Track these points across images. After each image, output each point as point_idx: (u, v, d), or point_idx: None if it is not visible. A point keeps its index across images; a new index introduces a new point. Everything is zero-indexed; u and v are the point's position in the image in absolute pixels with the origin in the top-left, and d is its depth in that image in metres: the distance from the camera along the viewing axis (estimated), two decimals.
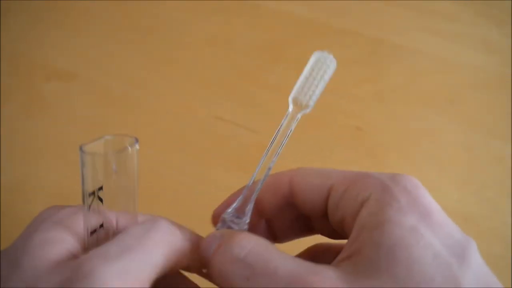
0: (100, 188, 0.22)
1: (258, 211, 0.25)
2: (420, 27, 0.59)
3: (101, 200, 0.22)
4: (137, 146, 0.24)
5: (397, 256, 0.18)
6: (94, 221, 0.21)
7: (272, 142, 0.27)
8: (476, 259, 0.19)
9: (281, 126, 0.28)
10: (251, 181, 0.26)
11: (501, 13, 0.60)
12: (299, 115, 0.27)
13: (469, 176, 0.48)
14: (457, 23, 0.59)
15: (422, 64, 0.57)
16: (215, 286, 0.21)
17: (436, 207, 0.20)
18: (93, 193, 0.22)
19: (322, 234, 0.26)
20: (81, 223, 0.21)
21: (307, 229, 0.26)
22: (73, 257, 0.19)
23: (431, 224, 0.19)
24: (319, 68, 0.27)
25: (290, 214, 0.25)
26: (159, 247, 0.20)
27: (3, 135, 0.52)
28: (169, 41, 0.60)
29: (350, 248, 0.19)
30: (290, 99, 0.28)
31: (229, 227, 0.25)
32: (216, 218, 0.27)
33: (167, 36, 0.60)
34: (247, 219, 0.25)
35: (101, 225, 0.22)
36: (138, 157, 0.24)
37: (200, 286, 0.25)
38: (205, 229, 0.47)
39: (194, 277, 0.25)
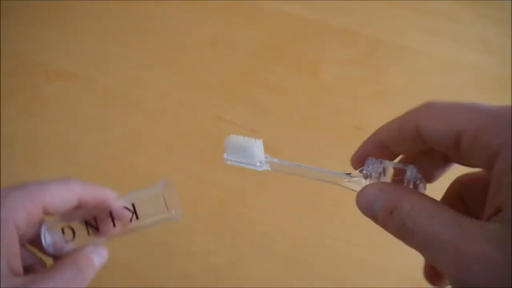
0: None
1: (392, 152, 0.24)
2: (420, 27, 0.59)
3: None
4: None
5: None
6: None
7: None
8: None
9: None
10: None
11: (501, 13, 0.60)
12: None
13: None
14: (457, 23, 0.59)
15: (422, 64, 0.57)
16: None
17: None
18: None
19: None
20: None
21: (446, 162, 0.25)
22: None
23: None
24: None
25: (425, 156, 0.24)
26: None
27: (3, 135, 0.52)
28: (169, 41, 0.60)
29: (493, 203, 0.18)
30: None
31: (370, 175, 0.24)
32: (356, 163, 0.26)
33: (167, 36, 0.60)
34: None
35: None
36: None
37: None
38: (205, 228, 0.47)
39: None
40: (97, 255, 0.30)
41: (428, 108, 0.22)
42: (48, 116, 0.54)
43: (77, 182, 0.29)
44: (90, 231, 0.29)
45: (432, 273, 0.25)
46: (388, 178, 0.23)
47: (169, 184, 0.31)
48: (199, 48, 0.59)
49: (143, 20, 0.62)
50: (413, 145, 0.23)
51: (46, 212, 0.28)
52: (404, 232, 0.20)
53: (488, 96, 0.54)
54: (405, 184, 0.22)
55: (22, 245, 0.29)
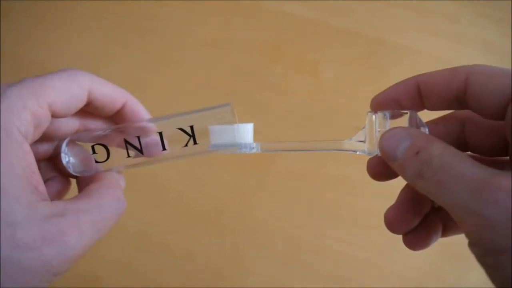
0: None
1: (423, 102, 0.24)
2: (420, 27, 0.59)
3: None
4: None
5: None
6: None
7: None
8: None
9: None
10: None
11: (501, 13, 0.60)
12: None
13: None
14: (457, 23, 0.59)
15: (422, 64, 0.57)
16: None
17: None
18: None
19: (475, 147, 0.24)
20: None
21: (457, 142, 0.24)
22: None
23: None
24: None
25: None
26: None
27: None
28: (169, 41, 0.60)
29: None
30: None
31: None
32: (377, 106, 0.25)
33: (167, 36, 0.60)
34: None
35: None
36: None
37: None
38: (205, 228, 0.47)
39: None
40: (122, 182, 0.26)
41: (481, 66, 0.22)
42: None
43: (85, 73, 0.24)
44: (130, 152, 0.25)
45: (376, 170, 0.25)
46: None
47: (233, 107, 0.26)
48: (199, 48, 0.59)
49: (143, 20, 0.62)
50: (449, 102, 0.23)
51: (54, 114, 0.22)
52: (426, 172, 0.20)
53: None
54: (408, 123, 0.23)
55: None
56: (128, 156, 0.25)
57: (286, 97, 0.55)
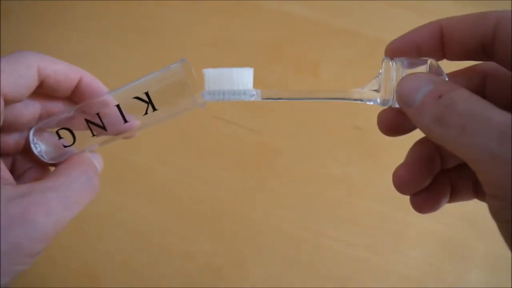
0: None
1: (444, 50, 0.22)
2: None
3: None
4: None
5: None
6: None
7: None
8: None
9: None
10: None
11: None
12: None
13: None
14: None
15: None
16: None
17: None
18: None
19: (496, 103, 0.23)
20: None
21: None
22: None
23: None
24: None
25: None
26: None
27: None
28: (169, 41, 0.60)
29: None
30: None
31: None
32: (394, 52, 0.24)
33: (167, 36, 0.60)
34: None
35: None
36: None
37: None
38: (205, 227, 0.47)
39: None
40: (97, 161, 0.25)
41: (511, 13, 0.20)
42: None
43: (33, 53, 0.23)
44: (94, 131, 0.24)
45: (389, 122, 0.24)
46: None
47: (186, 64, 0.25)
48: (199, 48, 0.59)
49: (143, 20, 0.62)
50: (474, 50, 0.21)
51: (5, 98, 0.22)
52: (448, 116, 0.18)
53: None
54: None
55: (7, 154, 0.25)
56: (93, 135, 0.24)
57: None
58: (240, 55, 0.58)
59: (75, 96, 0.25)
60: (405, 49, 0.23)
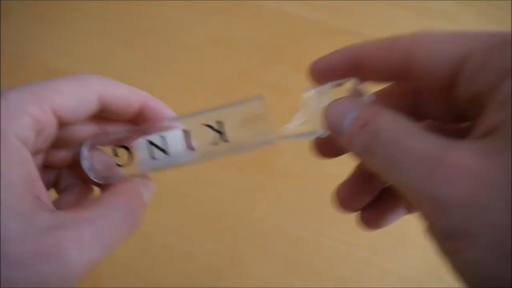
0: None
1: (360, 73, 0.22)
2: (420, 27, 0.59)
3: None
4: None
5: None
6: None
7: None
8: None
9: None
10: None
11: (501, 13, 0.60)
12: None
13: None
14: (457, 23, 0.59)
15: None
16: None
17: None
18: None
19: (433, 115, 0.22)
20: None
21: (413, 111, 0.22)
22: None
23: None
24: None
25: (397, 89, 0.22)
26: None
27: None
28: (169, 41, 0.60)
29: (487, 125, 0.17)
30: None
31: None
32: (316, 74, 0.23)
33: (167, 36, 0.60)
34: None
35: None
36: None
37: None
38: (205, 228, 0.47)
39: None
40: (147, 190, 0.23)
41: (426, 33, 0.19)
42: None
43: (95, 76, 0.22)
44: (156, 152, 0.22)
45: (323, 147, 0.23)
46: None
47: (264, 101, 0.23)
48: (199, 48, 0.59)
49: (143, 20, 0.62)
50: (391, 76, 0.21)
51: (61, 120, 0.21)
52: (374, 147, 0.18)
53: None
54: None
55: (49, 166, 0.23)
56: (153, 158, 0.22)
57: (286, 97, 0.55)
58: (240, 55, 0.58)
59: (136, 119, 0.24)
60: (325, 76, 0.23)
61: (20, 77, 0.57)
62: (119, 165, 0.23)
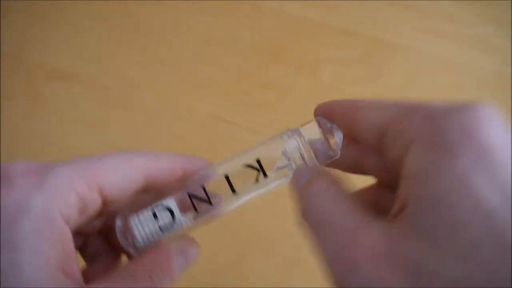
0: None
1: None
2: (420, 27, 0.59)
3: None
4: None
5: (441, 217, 0.15)
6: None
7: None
8: None
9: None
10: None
11: (501, 13, 0.60)
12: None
13: None
14: (457, 23, 0.59)
15: (422, 64, 0.57)
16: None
17: (501, 141, 0.16)
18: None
19: (377, 177, 0.23)
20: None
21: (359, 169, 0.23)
22: None
23: (489, 166, 0.15)
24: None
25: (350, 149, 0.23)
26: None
27: (3, 135, 0.52)
28: (169, 41, 0.60)
29: (398, 202, 0.17)
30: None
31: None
32: (316, 113, 0.24)
33: (167, 36, 0.60)
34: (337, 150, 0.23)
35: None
36: None
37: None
38: (205, 228, 0.47)
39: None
40: (185, 255, 0.23)
41: (364, 102, 0.21)
42: (48, 116, 0.54)
43: (141, 154, 0.22)
44: (198, 205, 0.22)
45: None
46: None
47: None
48: (199, 48, 0.59)
49: (143, 20, 0.62)
50: (347, 130, 0.22)
51: (105, 198, 0.21)
52: (306, 209, 0.19)
53: (488, 96, 0.54)
54: (320, 132, 0.22)
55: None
56: (196, 211, 0.22)
57: (286, 97, 0.55)
58: (240, 55, 0.58)
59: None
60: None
61: (20, 77, 0.57)
62: (159, 228, 0.22)
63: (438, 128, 0.16)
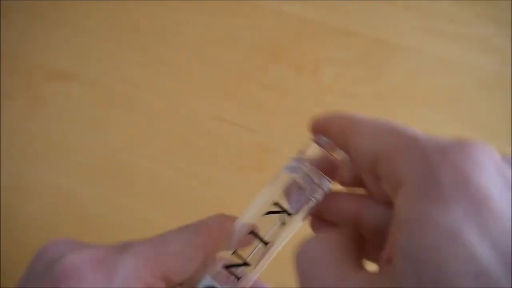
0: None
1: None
2: (420, 27, 0.59)
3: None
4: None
5: (428, 274, 0.13)
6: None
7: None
8: None
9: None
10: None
11: (501, 13, 0.60)
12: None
13: None
14: (457, 23, 0.59)
15: (422, 64, 0.57)
16: None
17: (497, 188, 0.14)
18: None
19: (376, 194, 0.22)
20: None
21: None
22: None
23: (484, 219, 0.14)
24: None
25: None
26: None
27: (3, 135, 0.52)
28: (169, 41, 0.60)
29: (387, 251, 0.16)
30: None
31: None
32: (313, 131, 0.24)
33: (167, 36, 0.60)
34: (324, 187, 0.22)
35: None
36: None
37: None
38: None
39: None
40: None
41: (359, 122, 0.20)
42: (48, 116, 0.54)
43: (199, 233, 0.22)
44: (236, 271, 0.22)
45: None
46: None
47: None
48: (199, 48, 0.59)
49: (143, 20, 0.62)
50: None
51: (168, 281, 0.21)
52: (296, 267, 0.19)
53: (488, 96, 0.54)
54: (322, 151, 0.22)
55: None
56: (237, 278, 0.21)
57: (286, 97, 0.55)
58: (240, 55, 0.58)
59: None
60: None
61: (20, 77, 0.57)
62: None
63: (431, 171, 0.15)
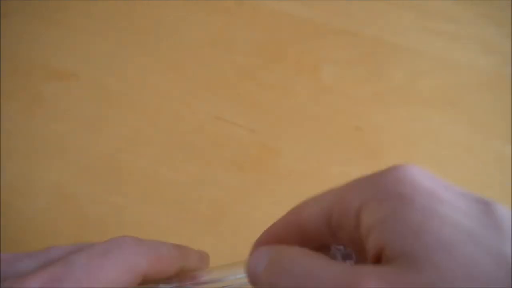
0: None
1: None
2: (420, 27, 0.59)
3: None
4: None
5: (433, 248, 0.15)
6: None
7: None
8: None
9: None
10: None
11: (501, 13, 0.60)
12: None
13: (469, 176, 0.48)
14: (457, 23, 0.59)
15: (422, 64, 0.57)
16: None
17: (440, 184, 0.17)
18: None
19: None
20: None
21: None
22: None
23: (442, 206, 0.16)
24: None
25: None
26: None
27: (3, 135, 0.52)
28: (169, 41, 0.60)
29: (372, 250, 0.17)
30: None
31: None
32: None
33: (167, 36, 0.60)
34: None
35: None
36: None
37: None
38: (205, 228, 0.47)
39: None
40: None
41: (306, 200, 0.22)
42: (48, 116, 0.54)
43: (141, 254, 0.24)
44: None
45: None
46: None
47: None
48: (199, 48, 0.59)
49: (143, 20, 0.62)
50: (297, 240, 0.22)
51: (145, 276, 0.23)
52: (283, 276, 0.19)
53: (488, 96, 0.54)
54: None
55: None
56: None
57: (286, 97, 0.55)
58: (240, 55, 0.58)
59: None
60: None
61: (20, 77, 0.57)
62: None
63: (383, 188, 0.17)
